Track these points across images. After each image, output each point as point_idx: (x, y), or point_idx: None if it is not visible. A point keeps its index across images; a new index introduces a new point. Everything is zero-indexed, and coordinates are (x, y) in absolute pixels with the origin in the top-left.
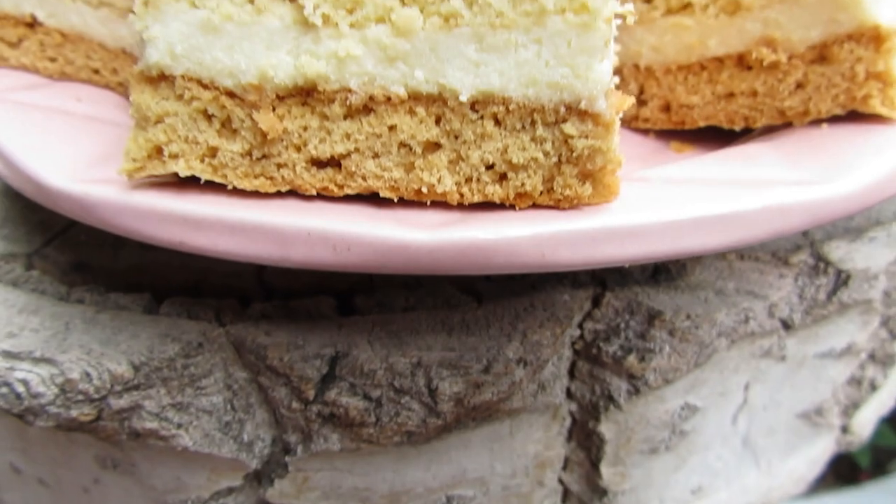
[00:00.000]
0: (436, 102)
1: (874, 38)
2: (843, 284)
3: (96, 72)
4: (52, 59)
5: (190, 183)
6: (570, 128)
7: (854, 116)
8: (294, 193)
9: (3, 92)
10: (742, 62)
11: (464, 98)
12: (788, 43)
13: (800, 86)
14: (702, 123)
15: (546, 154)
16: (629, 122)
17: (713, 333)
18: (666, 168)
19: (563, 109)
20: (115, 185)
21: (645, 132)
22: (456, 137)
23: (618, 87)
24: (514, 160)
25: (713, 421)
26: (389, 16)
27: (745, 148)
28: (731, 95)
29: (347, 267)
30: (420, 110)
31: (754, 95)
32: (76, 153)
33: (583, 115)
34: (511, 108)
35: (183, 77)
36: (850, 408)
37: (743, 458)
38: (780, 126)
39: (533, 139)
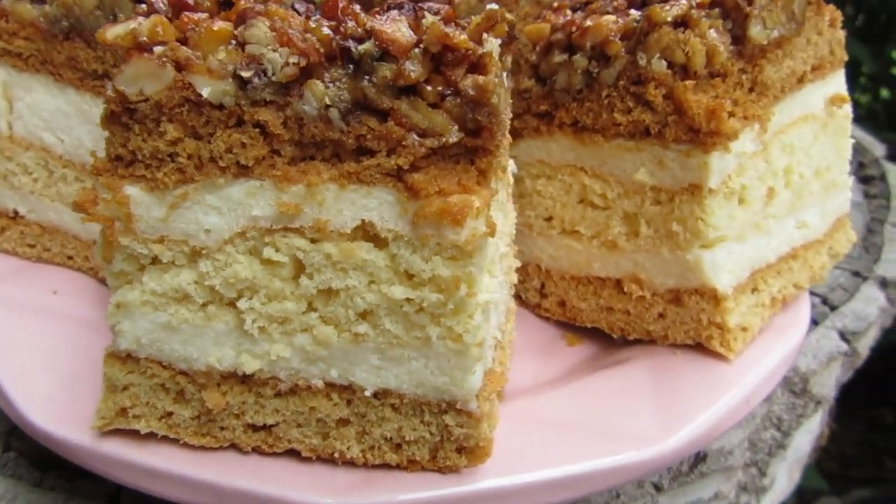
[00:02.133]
0: (347, 391)
1: (713, 297)
2: (700, 461)
3: (71, 258)
4: (31, 246)
5: (151, 434)
6: (449, 419)
7: (702, 347)
8: (234, 447)
9: None
10: (619, 286)
11: (368, 393)
12: (651, 283)
13: (661, 316)
14: (589, 325)
15: (432, 434)
16: (534, 308)
17: None
18: (538, 402)
19: (444, 405)
20: (89, 431)
21: (547, 319)
22: (362, 417)
23: (522, 282)
24: (407, 437)
25: None
26: (311, 330)
27: (612, 379)
28: (610, 309)
29: None
30: (334, 396)
31: (628, 314)
32: (56, 378)
33: (458, 411)
34: (405, 400)
35: (146, 359)
36: None
37: None
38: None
39: (422, 422)
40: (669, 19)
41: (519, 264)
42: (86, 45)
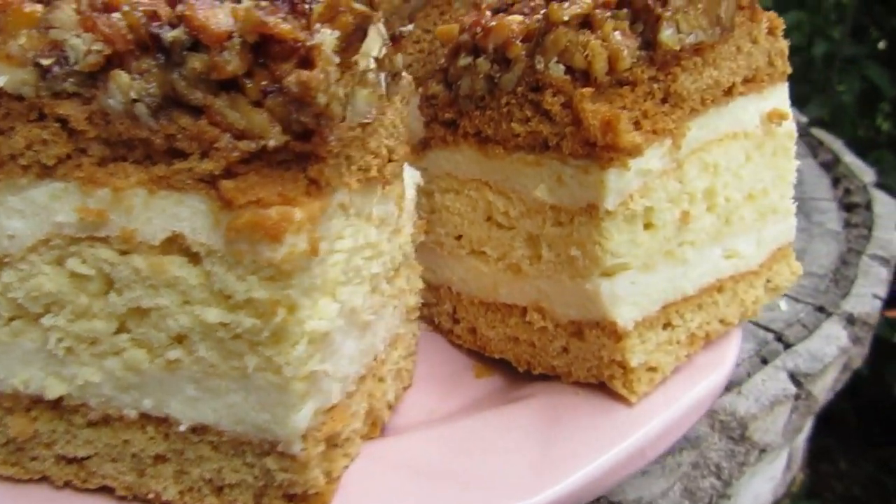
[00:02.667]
0: (163, 424)
1: (613, 332)
2: None
3: None
4: None
5: None
6: (271, 462)
7: (606, 386)
8: (46, 480)
9: None
10: (524, 315)
11: (182, 428)
12: (554, 314)
13: (565, 350)
14: (497, 355)
15: (255, 477)
16: (446, 334)
17: None
18: (411, 441)
19: (266, 446)
20: None
21: (459, 346)
22: (180, 454)
23: (435, 305)
24: (228, 480)
25: None
26: (122, 353)
27: (501, 421)
28: (517, 339)
29: None
30: (150, 429)
31: (533, 346)
32: None
33: (280, 454)
34: (224, 438)
35: None
36: None
37: None
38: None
39: (244, 464)
40: (567, 18)
41: (421, 285)
42: None
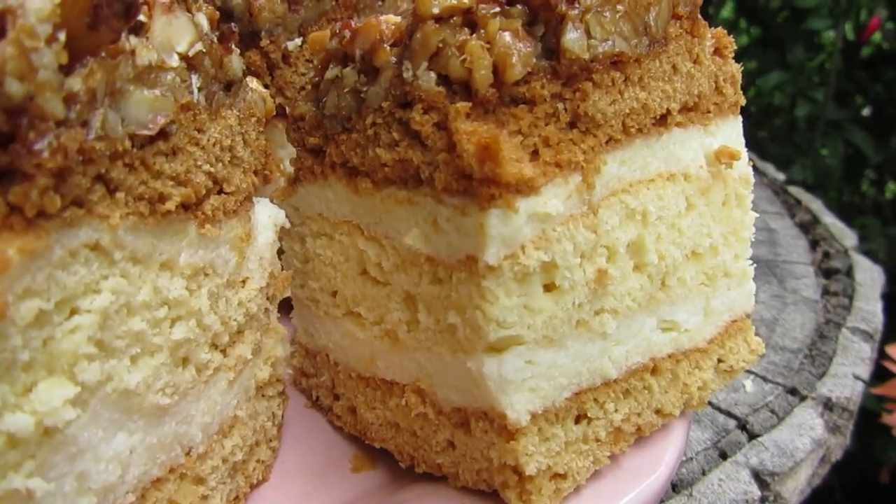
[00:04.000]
0: None
1: (503, 426)
2: None
3: None
4: None
5: None
6: None
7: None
8: None
9: None
10: (405, 396)
11: None
12: (435, 398)
13: (451, 445)
14: (377, 445)
15: None
16: (327, 413)
17: None
18: None
19: None
20: None
21: (340, 429)
22: None
23: (313, 375)
24: None
25: None
26: None
27: None
28: (398, 426)
29: None
30: None
31: (416, 436)
32: None
33: None
34: None
35: None
36: None
37: None
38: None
39: None
40: (437, 11)
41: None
42: None
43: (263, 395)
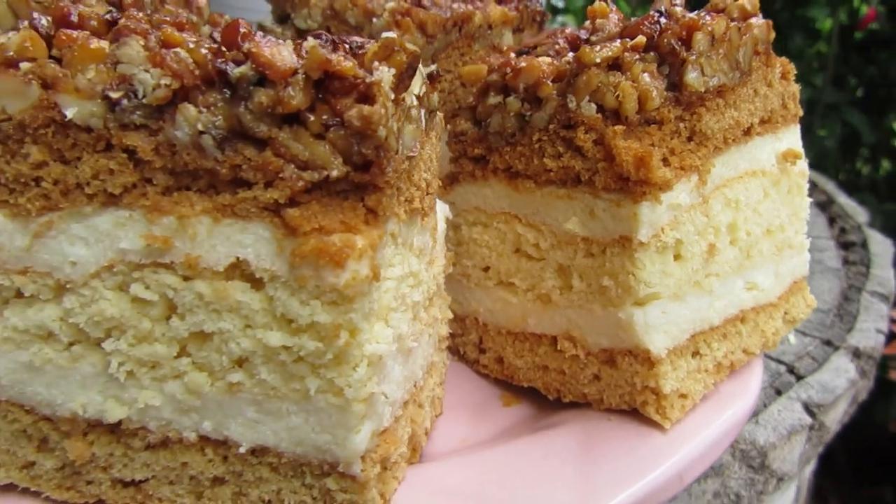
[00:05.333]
0: (222, 446)
1: (646, 359)
2: None
3: None
4: None
5: (10, 488)
6: (331, 483)
7: (638, 413)
8: (102, 503)
9: None
10: (554, 344)
11: (243, 450)
12: (585, 342)
13: (596, 378)
14: (525, 384)
15: (314, 498)
16: (472, 364)
17: None
18: (451, 467)
19: (326, 467)
20: None
21: (485, 376)
22: (239, 476)
23: (461, 335)
24: (286, 500)
25: None
26: (183, 377)
27: (536, 447)
28: (546, 368)
29: None
30: (209, 451)
31: (563, 374)
32: None
33: (341, 475)
34: (283, 460)
35: (6, 402)
36: None
37: None
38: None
39: (303, 485)
40: (598, 60)
41: (451, 315)
42: None
43: (441, 348)
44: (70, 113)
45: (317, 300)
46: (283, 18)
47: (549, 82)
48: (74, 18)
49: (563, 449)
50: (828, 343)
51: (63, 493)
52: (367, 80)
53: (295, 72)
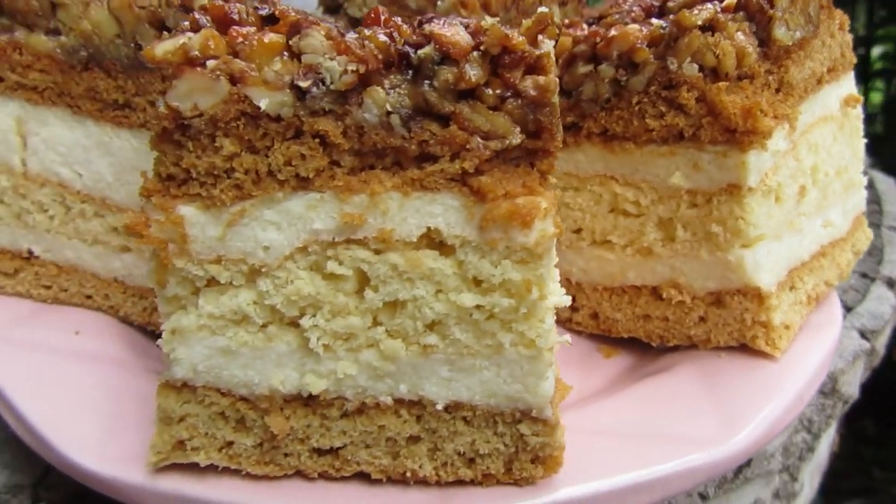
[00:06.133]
0: (416, 406)
1: (756, 295)
2: (745, 465)
3: (89, 297)
4: (47, 287)
5: (208, 467)
6: (524, 428)
7: (746, 348)
8: (299, 474)
9: (3, 328)
10: (656, 293)
11: (439, 407)
12: (691, 288)
13: (702, 319)
14: (625, 335)
15: (506, 445)
16: (564, 324)
17: None
18: (592, 412)
19: (518, 414)
20: (141, 468)
21: (579, 332)
22: (433, 432)
23: None
24: (481, 450)
25: None
26: (378, 345)
27: (662, 387)
28: (648, 317)
29: None
30: (404, 412)
31: (666, 321)
32: (93, 419)
33: (533, 419)
34: (477, 412)
35: (203, 387)
36: None
37: None
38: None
39: (495, 434)
40: (699, 23)
41: None
42: (105, 74)
43: None
44: (263, 104)
45: (507, 260)
46: (333, 9)
47: (644, 47)
48: (236, 17)
49: (688, 386)
50: (864, 276)
51: (262, 468)
52: (537, 53)
53: (473, 49)
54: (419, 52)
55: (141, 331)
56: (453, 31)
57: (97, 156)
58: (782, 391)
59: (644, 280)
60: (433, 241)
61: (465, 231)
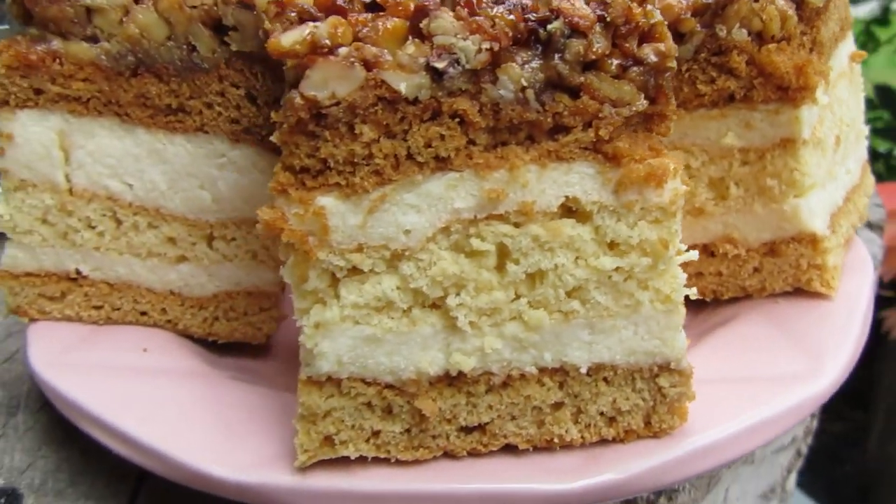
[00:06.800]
0: (559, 373)
1: (812, 240)
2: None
3: (144, 314)
4: (98, 308)
5: (353, 459)
6: (663, 381)
7: (800, 291)
8: (446, 455)
9: (59, 355)
10: (707, 250)
11: (583, 370)
12: (745, 241)
13: (756, 270)
14: None
15: (644, 400)
16: None
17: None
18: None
19: (656, 369)
20: (284, 471)
21: None
22: (576, 396)
23: None
24: (622, 408)
25: None
26: (521, 317)
27: (735, 334)
28: (700, 274)
29: None
30: (547, 380)
31: (720, 275)
32: (207, 431)
33: (671, 371)
34: (618, 371)
35: (348, 379)
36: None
37: None
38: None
39: (634, 390)
40: None
41: None
42: (157, 79)
43: None
44: (402, 87)
45: (642, 221)
46: None
47: (689, 17)
48: (342, 3)
49: (761, 330)
50: None
51: (412, 452)
52: (652, 21)
53: (598, 21)
54: (548, 26)
55: (200, 342)
56: (578, 5)
57: (149, 164)
58: (850, 324)
59: (696, 239)
60: (569, 209)
61: (601, 196)
